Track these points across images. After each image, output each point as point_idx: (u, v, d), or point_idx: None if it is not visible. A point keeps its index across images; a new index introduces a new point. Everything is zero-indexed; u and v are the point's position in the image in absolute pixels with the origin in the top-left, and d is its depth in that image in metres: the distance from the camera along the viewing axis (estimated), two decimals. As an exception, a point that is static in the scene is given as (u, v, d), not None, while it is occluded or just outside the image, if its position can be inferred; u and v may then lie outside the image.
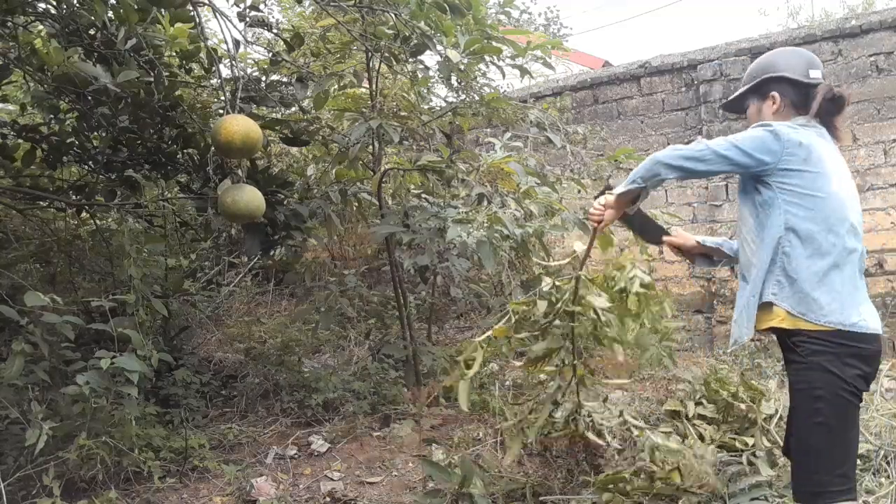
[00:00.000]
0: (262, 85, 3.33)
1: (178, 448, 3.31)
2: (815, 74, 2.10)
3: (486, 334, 2.57)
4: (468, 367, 2.53)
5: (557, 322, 2.60)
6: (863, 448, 2.94)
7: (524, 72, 3.61)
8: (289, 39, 3.24)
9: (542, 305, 2.53)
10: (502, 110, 4.03)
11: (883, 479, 2.80)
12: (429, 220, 3.68)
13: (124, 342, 2.79)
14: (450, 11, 3.05)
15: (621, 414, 2.98)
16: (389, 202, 4.16)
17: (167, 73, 3.10)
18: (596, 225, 2.28)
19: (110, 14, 2.85)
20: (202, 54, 3.23)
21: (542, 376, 2.92)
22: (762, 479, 2.86)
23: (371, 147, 3.93)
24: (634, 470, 2.80)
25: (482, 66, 3.66)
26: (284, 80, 3.50)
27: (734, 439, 3.36)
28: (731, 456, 3.21)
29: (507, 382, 4.36)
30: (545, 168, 4.65)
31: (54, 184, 3.65)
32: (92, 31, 2.92)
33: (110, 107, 3.04)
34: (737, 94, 2.23)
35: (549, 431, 3.03)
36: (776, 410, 3.41)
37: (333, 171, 4.01)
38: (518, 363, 2.87)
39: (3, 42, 2.93)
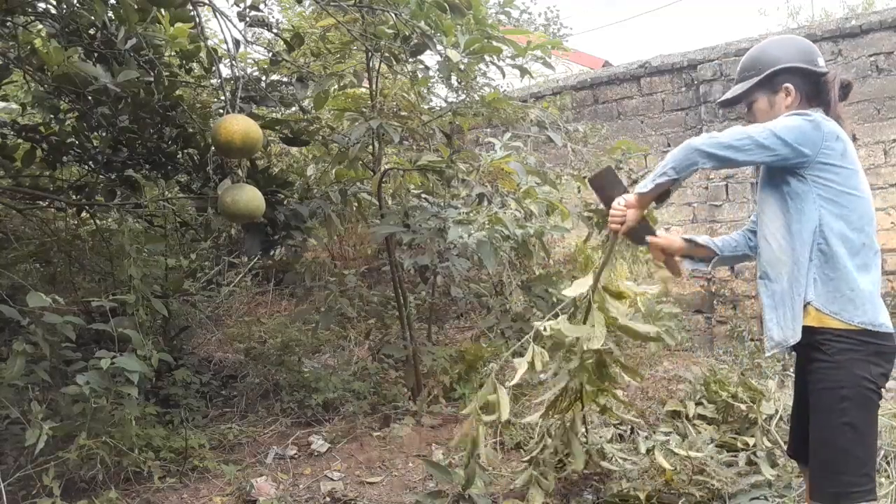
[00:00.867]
0: (262, 85, 3.32)
1: (178, 448, 3.31)
2: (822, 63, 2.04)
3: (518, 375, 2.42)
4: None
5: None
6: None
7: (524, 72, 3.61)
8: (289, 39, 3.24)
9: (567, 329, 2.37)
10: (502, 110, 4.02)
11: (883, 479, 2.80)
12: (429, 220, 3.67)
13: (124, 342, 2.78)
14: (450, 11, 3.05)
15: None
16: (389, 202, 4.16)
17: (167, 73, 3.10)
18: (618, 228, 2.09)
19: (110, 14, 2.85)
20: (202, 54, 3.23)
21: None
22: (762, 479, 2.86)
23: (371, 147, 3.93)
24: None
25: (482, 65, 3.66)
26: (284, 80, 3.50)
27: (735, 439, 3.36)
28: (732, 456, 3.21)
29: (507, 382, 4.35)
30: (545, 167, 4.65)
31: (54, 184, 3.65)
32: (92, 31, 2.92)
33: (110, 107, 3.04)
34: (745, 87, 2.06)
35: (563, 464, 2.97)
36: (776, 411, 3.41)
37: (333, 171, 4.01)
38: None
39: (3, 42, 2.93)
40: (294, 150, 4.84)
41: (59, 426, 2.63)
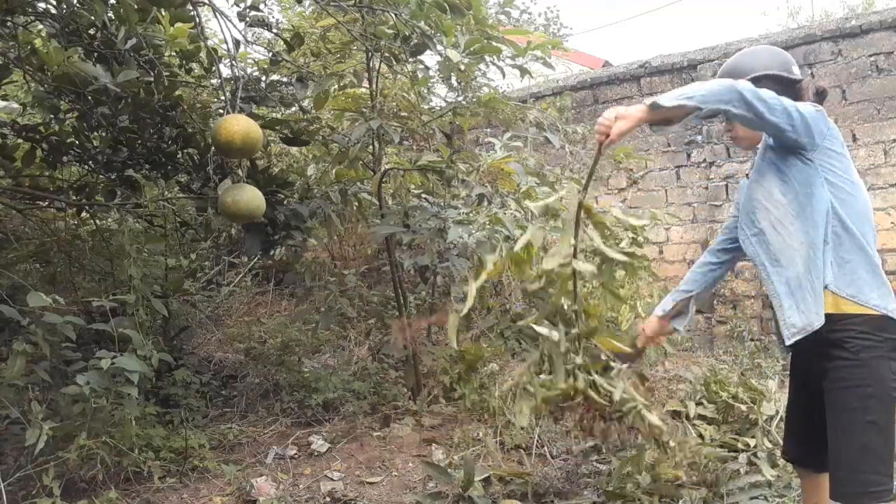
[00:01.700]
0: (262, 85, 3.32)
1: (178, 448, 3.31)
2: (796, 71, 2.10)
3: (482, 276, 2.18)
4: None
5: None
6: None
7: (524, 72, 3.61)
8: (289, 39, 3.24)
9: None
10: (501, 110, 4.02)
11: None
12: (429, 220, 3.68)
13: (124, 342, 2.78)
14: (450, 11, 3.05)
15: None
16: (389, 202, 4.16)
17: (167, 73, 3.10)
18: (602, 140, 1.90)
19: (110, 14, 2.85)
20: (202, 54, 3.23)
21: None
22: (762, 479, 2.86)
23: (371, 147, 3.93)
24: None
25: (482, 66, 3.66)
26: (284, 80, 3.50)
27: (735, 440, 3.36)
28: (732, 456, 3.21)
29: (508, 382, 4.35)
30: (545, 168, 4.64)
31: (54, 184, 3.65)
32: (92, 31, 2.92)
33: (110, 107, 3.04)
34: None
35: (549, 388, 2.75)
36: (777, 411, 3.41)
37: (333, 171, 4.01)
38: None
39: (3, 42, 2.93)
40: (294, 150, 4.84)
41: (59, 426, 2.62)
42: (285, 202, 3.39)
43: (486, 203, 3.62)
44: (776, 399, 3.50)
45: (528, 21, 14.71)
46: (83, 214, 3.95)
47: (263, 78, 3.40)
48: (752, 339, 5.28)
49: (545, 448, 3.49)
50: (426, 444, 3.59)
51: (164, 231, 4.18)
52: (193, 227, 4.36)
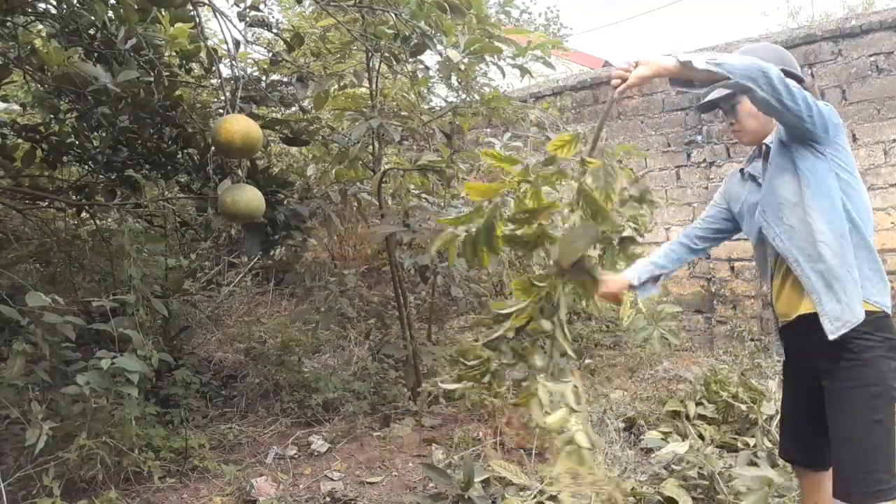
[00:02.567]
0: (262, 85, 3.32)
1: (178, 448, 3.31)
2: (798, 70, 2.09)
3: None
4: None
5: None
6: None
7: (524, 71, 3.61)
8: (289, 39, 3.24)
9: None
10: (502, 110, 4.03)
11: None
12: (429, 220, 3.68)
13: (124, 342, 2.79)
14: (450, 11, 3.05)
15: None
16: (389, 202, 4.16)
17: (167, 73, 3.10)
18: (618, 85, 1.84)
19: (110, 14, 2.85)
20: (202, 54, 3.23)
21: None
22: (762, 480, 2.86)
23: (371, 147, 3.93)
24: None
25: (482, 65, 3.66)
26: (284, 80, 3.50)
27: (735, 439, 3.36)
28: (732, 456, 3.21)
29: (507, 382, 4.35)
30: (545, 168, 4.63)
31: (54, 184, 3.65)
32: (92, 31, 2.92)
33: (110, 107, 3.04)
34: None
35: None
36: (776, 411, 3.41)
37: (333, 171, 4.01)
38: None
39: (3, 42, 2.93)
40: (294, 150, 4.85)
41: (59, 426, 2.63)
42: (285, 202, 3.39)
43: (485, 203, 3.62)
44: (776, 399, 3.49)
45: (528, 21, 14.71)
46: (83, 214, 3.95)
47: (263, 78, 3.40)
48: (752, 339, 5.27)
49: (545, 448, 3.49)
50: (426, 445, 3.59)
51: (164, 231, 4.18)
52: (193, 227, 4.36)
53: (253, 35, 4.31)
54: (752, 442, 3.28)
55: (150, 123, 3.24)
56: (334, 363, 4.98)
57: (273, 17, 5.00)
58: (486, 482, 2.99)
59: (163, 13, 2.89)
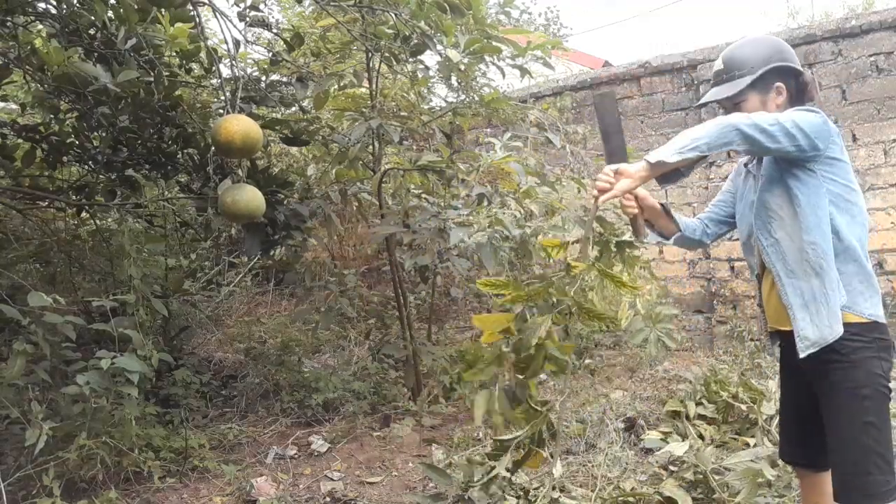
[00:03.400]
0: (262, 85, 3.32)
1: (178, 448, 3.31)
2: (798, 63, 2.05)
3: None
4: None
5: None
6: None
7: (524, 72, 3.61)
8: (289, 39, 3.24)
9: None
10: (502, 110, 4.02)
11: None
12: (429, 220, 3.68)
13: (124, 342, 2.78)
14: (450, 11, 3.05)
15: None
16: (389, 202, 4.16)
17: (167, 73, 3.10)
18: (597, 196, 1.88)
19: (110, 14, 2.85)
20: (202, 54, 3.23)
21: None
22: (762, 480, 2.86)
23: (371, 147, 3.93)
24: None
25: (482, 66, 3.66)
26: (284, 80, 3.50)
27: (735, 439, 3.36)
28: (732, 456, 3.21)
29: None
30: (545, 168, 4.65)
31: (54, 184, 3.65)
32: (92, 31, 2.92)
33: (110, 107, 3.04)
34: (740, 86, 1.98)
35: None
36: (776, 411, 3.41)
37: (333, 171, 4.01)
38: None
39: (3, 42, 2.93)
40: (294, 150, 4.85)
41: (59, 426, 2.62)
42: (285, 202, 3.39)
43: (486, 203, 3.62)
44: (776, 399, 3.49)
45: (528, 21, 14.71)
46: (83, 214, 3.95)
47: (263, 78, 3.40)
48: (752, 339, 5.27)
49: (545, 448, 3.48)
50: (426, 445, 3.59)
51: (164, 231, 4.18)
52: (193, 227, 4.36)
53: (253, 35, 4.31)
54: (752, 442, 3.28)
55: (150, 123, 3.24)
56: (334, 363, 4.98)
57: (273, 17, 5.00)
58: (486, 482, 2.98)
59: (163, 13, 2.89)
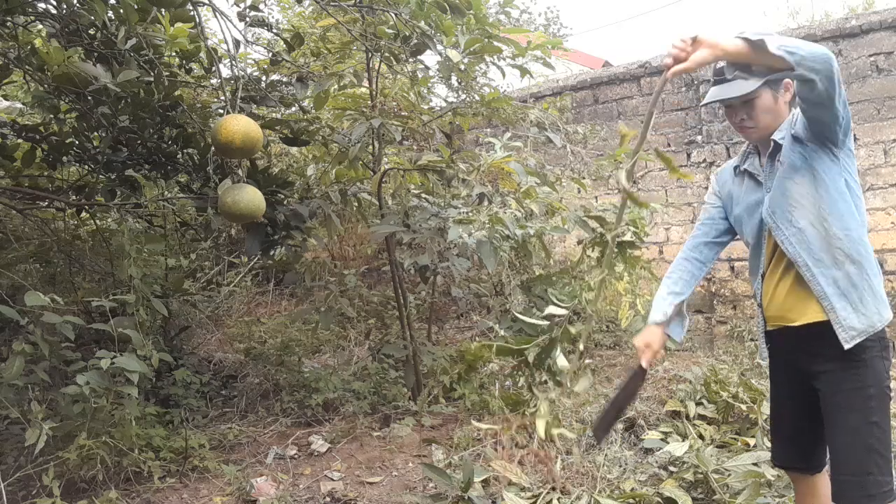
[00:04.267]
0: (262, 85, 3.32)
1: (178, 448, 3.31)
2: None
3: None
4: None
5: None
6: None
7: (524, 72, 3.61)
8: (289, 39, 3.24)
9: None
10: (502, 110, 4.03)
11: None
12: (429, 220, 3.68)
13: (124, 342, 2.78)
14: (450, 11, 3.05)
15: None
16: (389, 202, 4.16)
17: (167, 73, 3.10)
18: (670, 64, 1.65)
19: (110, 14, 2.85)
20: (202, 54, 3.23)
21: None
22: (763, 480, 2.86)
23: (371, 147, 3.93)
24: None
25: (482, 65, 3.66)
26: (284, 80, 3.50)
27: (735, 440, 3.36)
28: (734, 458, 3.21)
29: (507, 382, 4.36)
30: (545, 168, 4.65)
31: (54, 184, 3.65)
32: (92, 31, 2.92)
33: (110, 107, 3.04)
34: (759, 83, 1.87)
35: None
36: (776, 411, 3.41)
37: (333, 171, 4.01)
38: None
39: (3, 42, 2.93)
40: (294, 150, 4.84)
41: (59, 426, 2.63)
42: (285, 202, 3.39)
43: (486, 202, 3.62)
44: (776, 399, 3.50)
45: (528, 21, 14.73)
46: (83, 214, 3.95)
47: (263, 78, 3.40)
48: (751, 339, 5.27)
49: (545, 448, 3.49)
50: (426, 445, 3.59)
51: (164, 231, 4.18)
52: (193, 227, 4.36)
53: (253, 35, 4.31)
54: (752, 442, 3.27)
55: (150, 123, 3.24)
56: (334, 363, 4.98)
57: (273, 17, 5.00)
58: (486, 482, 2.99)
59: (163, 13, 2.89)
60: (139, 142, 3.38)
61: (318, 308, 4.17)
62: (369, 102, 3.85)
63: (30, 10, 2.92)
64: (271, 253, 3.63)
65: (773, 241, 1.96)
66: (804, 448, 2.07)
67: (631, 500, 2.79)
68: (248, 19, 2.97)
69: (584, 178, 5.07)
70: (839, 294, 1.83)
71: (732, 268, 5.67)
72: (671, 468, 3.09)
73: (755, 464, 2.98)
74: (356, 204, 4.24)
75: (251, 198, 2.29)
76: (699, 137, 5.91)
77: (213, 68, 3.26)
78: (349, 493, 3.09)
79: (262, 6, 3.23)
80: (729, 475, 2.89)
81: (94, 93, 2.86)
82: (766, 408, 3.44)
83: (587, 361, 5.00)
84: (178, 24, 3.02)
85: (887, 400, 1.84)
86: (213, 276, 5.60)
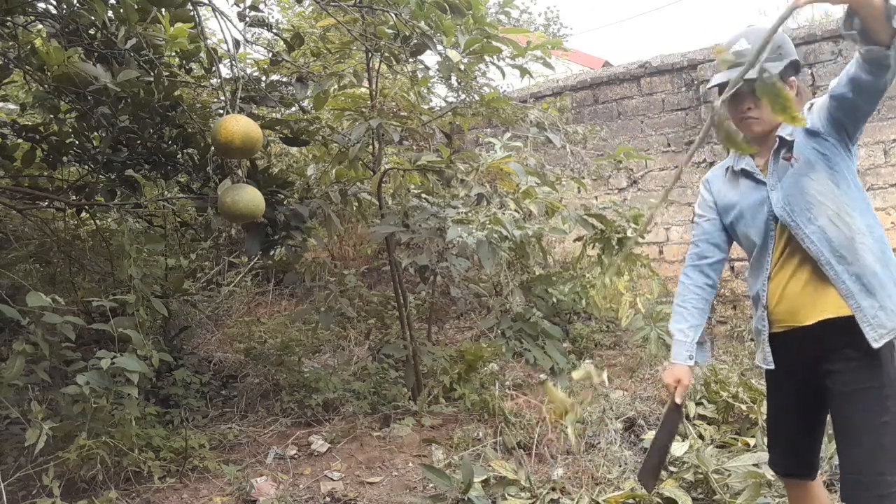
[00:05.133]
0: (262, 85, 3.32)
1: (178, 448, 3.31)
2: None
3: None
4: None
5: None
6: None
7: (524, 72, 3.61)
8: (289, 39, 3.24)
9: None
10: (502, 110, 4.02)
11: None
12: (429, 220, 3.68)
13: (124, 342, 2.79)
14: (450, 11, 3.05)
15: None
16: (389, 202, 4.16)
17: (167, 73, 3.10)
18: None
19: (110, 14, 2.85)
20: (202, 54, 3.23)
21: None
22: (763, 480, 2.86)
23: (371, 147, 3.93)
24: None
25: (482, 65, 3.66)
26: (284, 80, 3.50)
27: (735, 440, 3.36)
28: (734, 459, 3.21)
29: (507, 382, 4.36)
30: (545, 168, 4.65)
31: (54, 184, 3.65)
32: (92, 31, 2.92)
33: (110, 107, 3.04)
34: (781, 68, 1.86)
35: None
36: (776, 411, 3.41)
37: (333, 171, 4.01)
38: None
39: (3, 42, 2.93)
40: (294, 150, 4.85)
41: (59, 426, 2.63)
42: (285, 202, 3.39)
43: (485, 203, 3.62)
44: (776, 399, 3.50)
45: (528, 21, 14.73)
46: (83, 214, 3.95)
47: (263, 78, 3.40)
48: (751, 339, 5.27)
49: (545, 448, 3.49)
50: (426, 445, 3.59)
51: (164, 231, 4.18)
52: (193, 227, 4.36)
53: (253, 35, 4.31)
54: (752, 442, 3.28)
55: (150, 123, 3.24)
56: (334, 363, 4.98)
57: (273, 17, 5.00)
58: (485, 482, 2.99)
59: (163, 13, 2.89)
60: (139, 142, 3.38)
61: (318, 308, 4.17)
62: (369, 102, 3.85)
63: (30, 10, 2.92)
64: (271, 253, 3.63)
65: (783, 240, 1.92)
66: (803, 456, 2.05)
67: (631, 500, 2.79)
68: (248, 19, 2.97)
69: (583, 177, 5.07)
70: (865, 292, 1.80)
71: (732, 268, 5.67)
72: (671, 468, 3.09)
73: (755, 464, 2.98)
74: (356, 204, 4.24)
75: (251, 198, 2.29)
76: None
77: (213, 68, 3.26)
78: (349, 493, 3.09)
79: (262, 6, 3.23)
80: (729, 475, 2.89)
81: (94, 93, 2.86)
82: (766, 408, 3.44)
83: (587, 361, 5.01)
84: (178, 24, 3.02)
85: None
86: (213, 276, 5.60)
